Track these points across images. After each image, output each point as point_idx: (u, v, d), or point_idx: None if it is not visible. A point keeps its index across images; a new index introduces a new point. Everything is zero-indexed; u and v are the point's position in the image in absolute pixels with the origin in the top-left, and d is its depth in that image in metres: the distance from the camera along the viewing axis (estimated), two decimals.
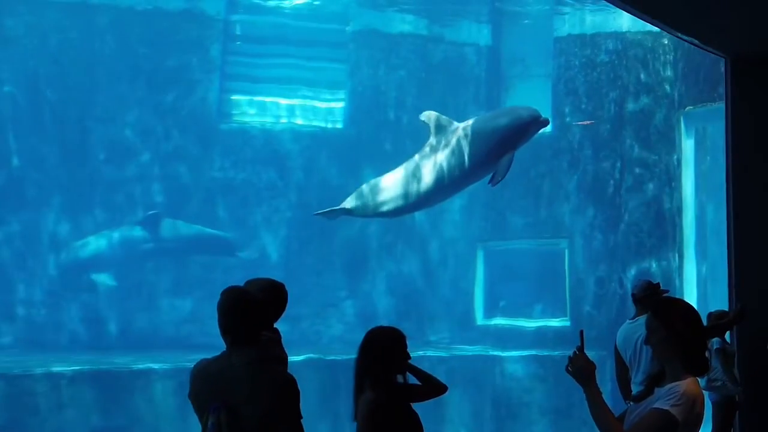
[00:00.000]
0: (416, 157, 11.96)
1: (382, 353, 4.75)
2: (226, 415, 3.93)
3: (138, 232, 16.45)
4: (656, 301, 4.08)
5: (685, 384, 3.90)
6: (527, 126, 11.55)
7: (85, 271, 16.26)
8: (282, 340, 4.99)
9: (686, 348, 3.93)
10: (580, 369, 3.95)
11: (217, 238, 16.76)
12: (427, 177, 11.49)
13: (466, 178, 11.62)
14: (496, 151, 10.96)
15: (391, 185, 11.99)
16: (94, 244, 16.42)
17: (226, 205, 17.18)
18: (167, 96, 17.02)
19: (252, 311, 4.20)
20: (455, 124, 11.72)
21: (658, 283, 8.27)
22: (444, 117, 11.99)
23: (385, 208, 12.11)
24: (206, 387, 4.12)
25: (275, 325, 4.95)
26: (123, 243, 16.41)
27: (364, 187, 12.80)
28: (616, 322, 15.68)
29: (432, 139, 11.81)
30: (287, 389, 4.07)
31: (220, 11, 17.40)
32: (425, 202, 12.12)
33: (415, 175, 11.61)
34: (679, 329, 3.94)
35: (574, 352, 3.99)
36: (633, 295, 8.03)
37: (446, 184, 11.53)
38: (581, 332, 4.10)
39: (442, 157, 11.34)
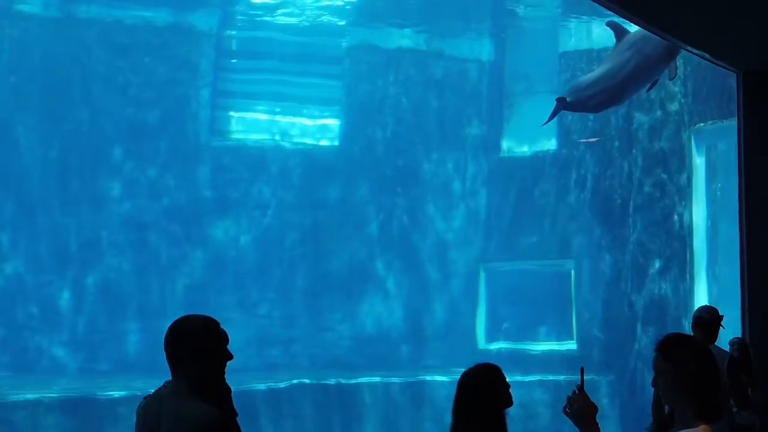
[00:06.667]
0: (609, 59, 13.45)
1: (483, 395, 4.21)
2: None
3: None
4: (664, 339, 3.57)
5: None
6: None
7: None
8: (231, 394, 4.46)
9: (699, 391, 3.48)
10: (580, 411, 3.68)
11: None
12: (619, 75, 12.96)
13: (648, 75, 13.10)
14: (665, 51, 12.45)
15: (593, 82, 13.38)
16: None
17: (217, 223, 16.74)
18: (157, 112, 16.61)
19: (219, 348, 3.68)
20: (630, 31, 13.10)
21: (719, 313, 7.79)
22: (622, 25, 13.24)
23: (590, 103, 13.52)
24: None
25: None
26: None
27: (578, 83, 14.03)
28: (624, 346, 15.33)
29: (617, 44, 13.25)
30: None
31: (213, 26, 17.04)
32: (620, 97, 13.56)
33: (610, 73, 13.12)
34: (691, 370, 3.47)
35: (574, 392, 3.74)
36: (695, 318, 7.63)
37: (634, 80, 13.05)
38: (582, 369, 3.87)
39: (628, 57, 12.87)
